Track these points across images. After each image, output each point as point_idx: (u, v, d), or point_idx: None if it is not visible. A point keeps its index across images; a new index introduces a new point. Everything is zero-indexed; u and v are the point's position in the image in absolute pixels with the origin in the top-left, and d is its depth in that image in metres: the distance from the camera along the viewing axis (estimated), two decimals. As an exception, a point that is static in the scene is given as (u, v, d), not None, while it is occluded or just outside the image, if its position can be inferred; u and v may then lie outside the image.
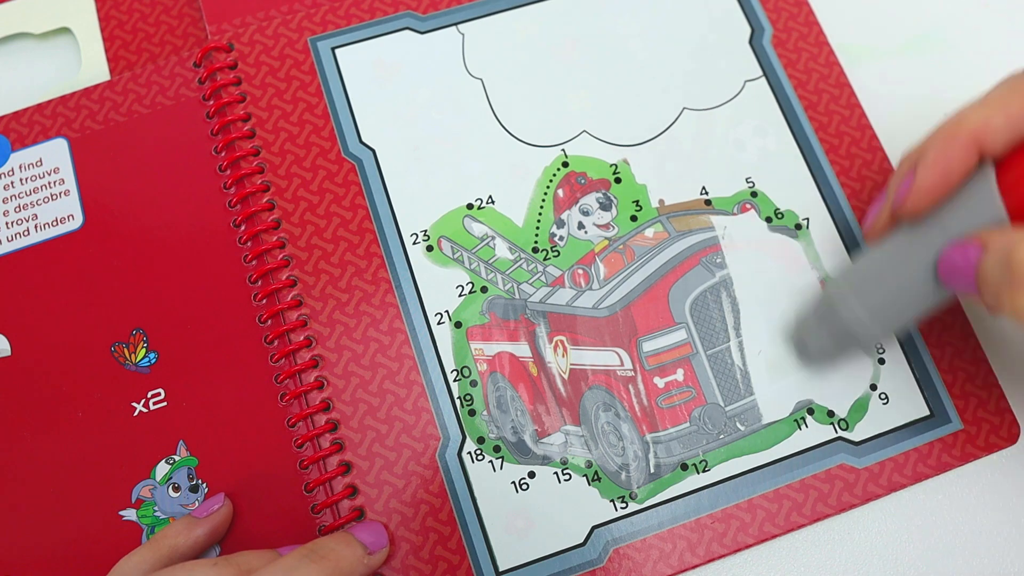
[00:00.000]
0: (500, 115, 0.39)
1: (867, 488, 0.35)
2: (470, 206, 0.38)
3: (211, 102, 0.39)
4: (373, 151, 0.38)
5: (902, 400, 0.36)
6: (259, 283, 0.36)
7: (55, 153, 0.37)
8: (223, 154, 0.38)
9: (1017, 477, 0.36)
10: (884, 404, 0.36)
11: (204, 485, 0.34)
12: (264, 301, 0.36)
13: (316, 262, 0.37)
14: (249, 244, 0.37)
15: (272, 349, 0.36)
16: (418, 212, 0.37)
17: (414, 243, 0.37)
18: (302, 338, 0.36)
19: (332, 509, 0.34)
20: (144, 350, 0.35)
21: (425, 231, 0.37)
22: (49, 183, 0.37)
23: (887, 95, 0.41)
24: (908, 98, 0.41)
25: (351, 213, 0.37)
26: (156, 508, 0.33)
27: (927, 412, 0.36)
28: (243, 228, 0.37)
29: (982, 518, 0.36)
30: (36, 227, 0.36)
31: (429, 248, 0.37)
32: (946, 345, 0.37)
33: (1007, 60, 0.41)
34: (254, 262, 0.36)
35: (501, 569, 0.33)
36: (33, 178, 0.37)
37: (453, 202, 0.38)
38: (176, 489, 0.34)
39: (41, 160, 0.37)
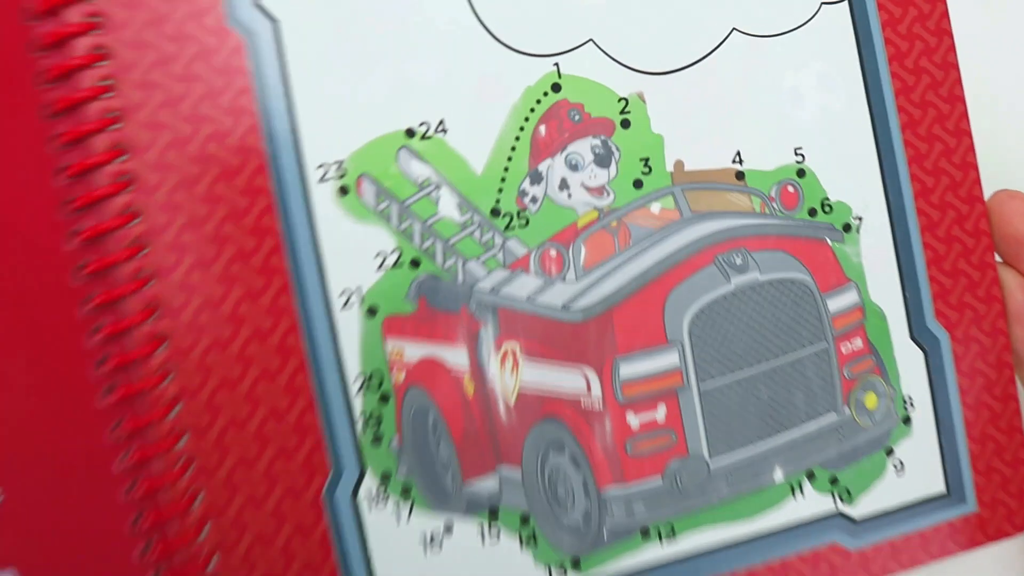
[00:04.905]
0: (473, -4, 0.26)
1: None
2: (411, 133, 0.26)
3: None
4: (274, 22, 0.25)
5: (919, 471, 0.29)
6: (82, 213, 0.24)
7: None
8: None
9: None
10: (898, 475, 0.29)
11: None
12: (88, 243, 0.24)
13: (173, 190, 0.24)
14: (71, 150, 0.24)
15: (96, 320, 0.24)
16: (333, 131, 0.25)
17: (321, 179, 0.25)
18: (142, 309, 0.24)
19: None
20: None
21: (340, 163, 0.25)
22: None
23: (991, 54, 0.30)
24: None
25: (230, 119, 0.24)
26: None
27: (943, 489, 0.29)
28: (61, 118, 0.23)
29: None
30: None
31: (343, 191, 0.25)
32: (983, 407, 0.29)
33: None
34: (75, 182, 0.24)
35: (396, 663, 0.25)
36: None
37: (386, 123, 0.25)
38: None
39: None
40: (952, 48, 0.29)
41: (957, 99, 0.29)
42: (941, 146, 0.29)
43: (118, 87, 0.23)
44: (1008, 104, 0.31)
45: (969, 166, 0.29)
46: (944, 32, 0.29)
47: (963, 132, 0.29)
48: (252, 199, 0.24)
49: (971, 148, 0.29)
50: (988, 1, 0.31)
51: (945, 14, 0.29)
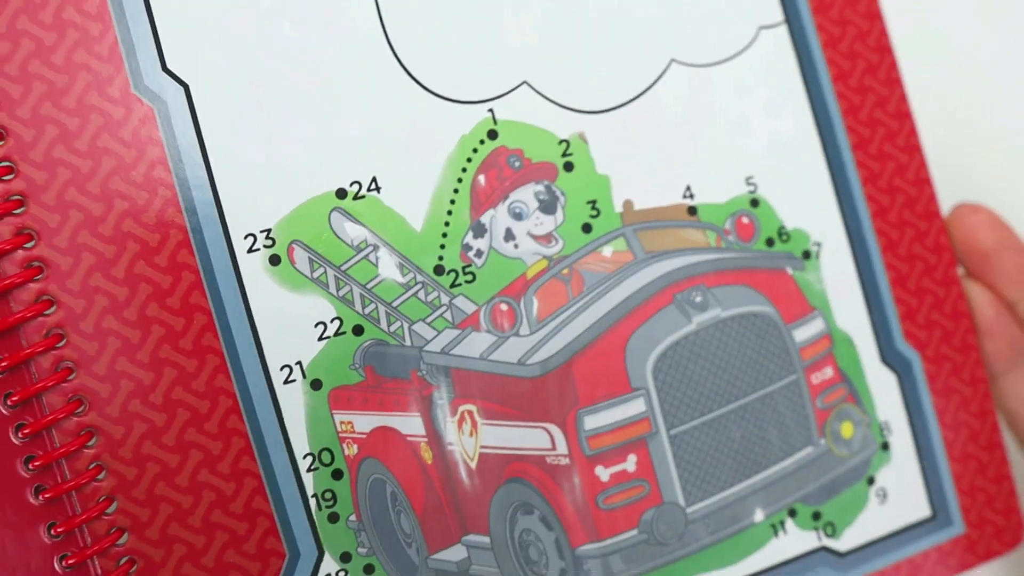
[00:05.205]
0: (398, 46, 0.25)
1: (845, 612, 0.27)
2: (342, 193, 0.24)
3: None
4: (185, 87, 0.23)
5: (902, 498, 0.28)
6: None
7: None
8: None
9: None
10: (881, 503, 0.28)
11: None
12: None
13: (88, 274, 0.22)
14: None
15: (19, 417, 0.22)
16: (257, 198, 0.24)
17: (250, 250, 0.24)
18: (65, 402, 0.22)
19: None
20: None
21: (268, 231, 0.24)
22: None
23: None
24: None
25: (146, 193, 0.23)
26: None
27: (928, 513, 0.28)
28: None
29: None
30: None
31: (274, 260, 0.24)
32: (962, 426, 0.28)
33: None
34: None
35: None
36: None
37: (315, 184, 0.24)
38: None
39: None
40: (894, 64, 0.28)
41: (905, 115, 0.28)
42: (893, 164, 0.28)
43: (17, 168, 0.22)
44: (959, 114, 0.31)
45: (923, 182, 0.28)
46: (885, 49, 0.28)
47: (914, 148, 0.28)
48: (176, 276, 0.23)
49: (923, 164, 0.28)
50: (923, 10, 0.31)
51: (884, 31, 0.28)
